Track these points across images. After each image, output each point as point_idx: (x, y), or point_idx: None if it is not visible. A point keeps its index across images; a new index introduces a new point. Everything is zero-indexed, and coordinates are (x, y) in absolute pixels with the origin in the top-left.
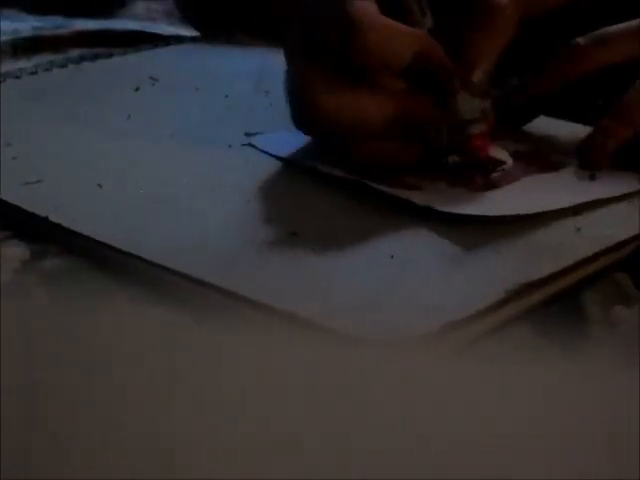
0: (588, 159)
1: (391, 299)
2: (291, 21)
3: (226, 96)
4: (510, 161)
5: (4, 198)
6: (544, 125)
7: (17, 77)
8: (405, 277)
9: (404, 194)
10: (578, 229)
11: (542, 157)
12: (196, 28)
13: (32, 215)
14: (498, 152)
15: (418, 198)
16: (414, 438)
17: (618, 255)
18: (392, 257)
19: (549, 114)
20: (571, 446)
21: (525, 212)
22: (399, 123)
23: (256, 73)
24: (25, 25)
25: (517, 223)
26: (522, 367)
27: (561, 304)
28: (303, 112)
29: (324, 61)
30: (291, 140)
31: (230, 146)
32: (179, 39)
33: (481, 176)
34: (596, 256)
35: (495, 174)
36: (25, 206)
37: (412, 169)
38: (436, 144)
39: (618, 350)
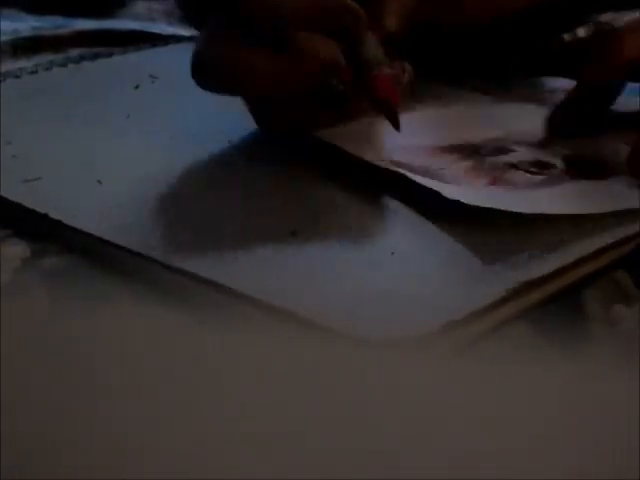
0: (635, 169)
1: (391, 299)
2: None
3: None
4: (560, 165)
5: (4, 196)
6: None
7: (17, 76)
8: (405, 276)
9: (434, 185)
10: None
11: (594, 164)
12: (196, 27)
13: (32, 212)
14: (547, 155)
15: (449, 192)
16: (414, 438)
17: (618, 253)
18: (392, 254)
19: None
20: (571, 446)
21: (552, 212)
22: (296, 75)
23: None
24: (25, 25)
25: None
26: (522, 367)
27: (561, 303)
28: (197, 67)
29: (222, 24)
30: None
31: (229, 143)
32: (178, 38)
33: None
34: (596, 254)
35: (538, 177)
36: (25, 203)
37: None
38: (341, 92)
39: (618, 349)
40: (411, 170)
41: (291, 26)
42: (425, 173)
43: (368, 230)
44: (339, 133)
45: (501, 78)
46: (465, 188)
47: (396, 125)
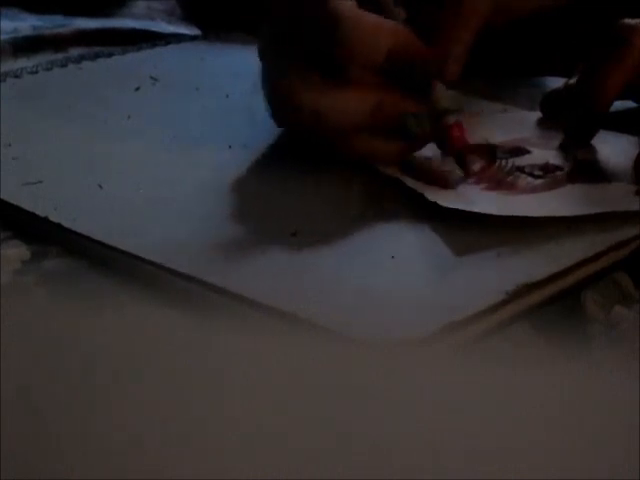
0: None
1: (391, 299)
2: (264, 20)
3: (227, 96)
4: (568, 168)
5: (4, 198)
6: (605, 136)
7: (17, 76)
8: (405, 277)
9: (431, 194)
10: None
11: (597, 167)
12: (198, 26)
13: (32, 215)
14: (560, 159)
15: (447, 200)
16: (414, 438)
17: (618, 255)
18: (393, 257)
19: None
20: (571, 446)
21: (543, 215)
22: (379, 117)
23: (257, 72)
24: (25, 24)
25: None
26: (522, 368)
27: (561, 304)
28: (284, 110)
29: (304, 58)
30: None
31: (230, 146)
32: (179, 37)
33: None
34: (596, 256)
35: (540, 181)
36: (25, 206)
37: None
38: (418, 134)
39: (618, 350)
40: (429, 176)
41: (375, 70)
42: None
43: (368, 231)
44: None
45: (505, 79)
46: (470, 195)
47: (467, 173)
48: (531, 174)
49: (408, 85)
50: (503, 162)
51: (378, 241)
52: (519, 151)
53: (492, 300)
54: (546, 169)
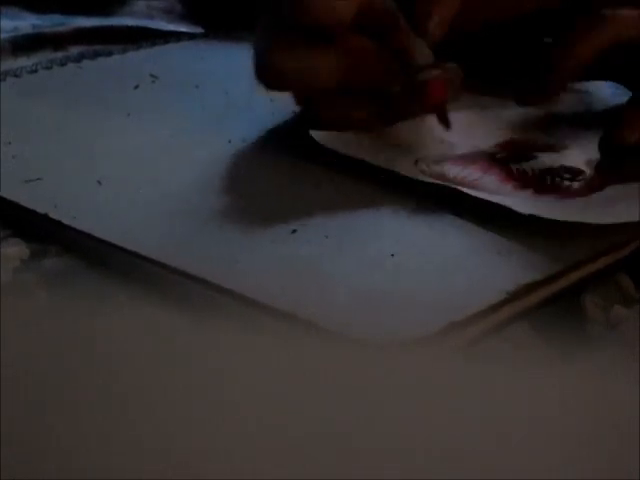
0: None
1: (391, 299)
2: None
3: (226, 93)
4: (588, 170)
5: (4, 196)
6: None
7: (17, 75)
8: (405, 277)
9: (495, 199)
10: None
11: (617, 168)
12: (199, 24)
13: (32, 213)
14: (575, 161)
15: (519, 207)
16: (414, 439)
17: (618, 255)
18: (392, 256)
19: None
20: (571, 446)
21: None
22: (353, 74)
23: None
24: (25, 23)
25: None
26: (522, 368)
27: (561, 304)
28: (262, 68)
29: (282, 22)
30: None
31: (230, 142)
32: (178, 36)
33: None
34: (596, 256)
35: (576, 184)
36: (25, 204)
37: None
38: (394, 91)
39: (618, 350)
40: (449, 181)
41: (345, 30)
42: (467, 185)
43: (368, 231)
44: (364, 146)
45: (500, 77)
46: (523, 200)
47: (447, 125)
48: (563, 178)
49: (383, 42)
50: (517, 166)
51: (378, 240)
52: (524, 157)
53: (492, 300)
54: (570, 172)
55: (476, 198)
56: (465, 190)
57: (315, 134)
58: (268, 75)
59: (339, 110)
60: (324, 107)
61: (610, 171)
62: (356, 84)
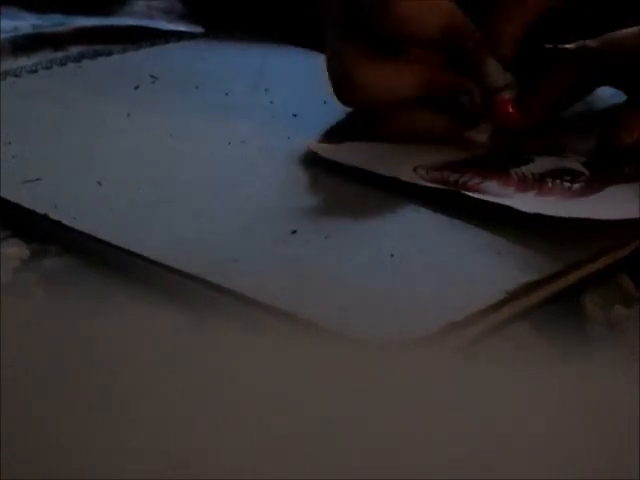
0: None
1: (391, 299)
2: (329, 9)
3: (226, 94)
4: (587, 172)
5: (4, 196)
6: None
7: (17, 75)
8: (405, 277)
9: (499, 200)
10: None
11: (615, 169)
12: (198, 23)
13: (32, 213)
14: (567, 163)
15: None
16: (414, 439)
17: (618, 255)
18: (392, 256)
19: None
20: (571, 446)
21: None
22: (430, 92)
23: (256, 71)
24: (25, 23)
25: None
26: (522, 368)
27: (561, 304)
28: (341, 85)
29: (360, 35)
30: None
31: (229, 143)
32: (179, 36)
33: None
34: (596, 256)
35: (577, 185)
36: (25, 204)
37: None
38: (470, 110)
39: (618, 350)
40: (451, 186)
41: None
42: (470, 189)
43: (368, 231)
44: (363, 156)
45: None
46: (527, 201)
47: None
48: (563, 180)
49: (459, 61)
50: (517, 170)
51: (378, 240)
52: (521, 161)
53: (492, 300)
54: (569, 174)
55: (481, 201)
56: (469, 194)
57: (315, 146)
58: (352, 91)
59: (419, 122)
60: (403, 120)
61: (608, 172)
62: (432, 95)
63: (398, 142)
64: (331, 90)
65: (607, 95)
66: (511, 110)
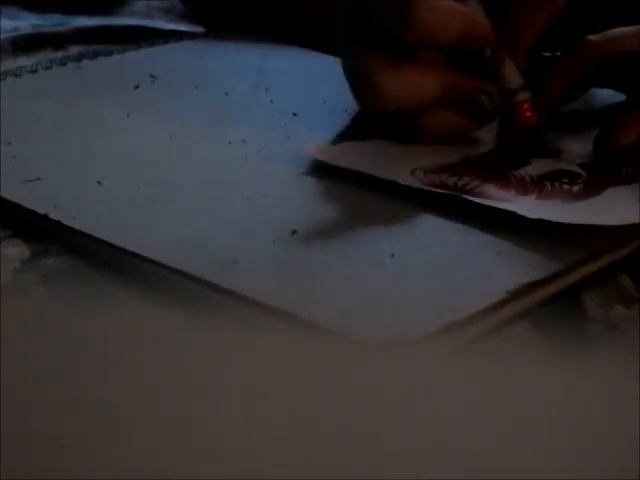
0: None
1: (391, 299)
2: (338, 5)
3: (226, 94)
4: (585, 174)
5: (4, 196)
6: None
7: (17, 75)
8: (405, 277)
9: (501, 205)
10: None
11: (613, 170)
12: (198, 23)
13: (32, 213)
14: (564, 165)
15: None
16: (414, 439)
17: (618, 255)
18: (392, 256)
19: None
20: (571, 446)
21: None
22: (454, 94)
23: (256, 71)
24: (25, 23)
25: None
26: (522, 367)
27: (561, 304)
28: (365, 94)
29: (380, 41)
30: (354, 151)
31: (229, 143)
32: (178, 36)
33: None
34: (596, 256)
35: (576, 187)
36: (25, 204)
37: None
38: (490, 110)
39: (618, 350)
40: (449, 189)
41: (445, 50)
42: (469, 192)
43: (368, 231)
44: (361, 159)
45: None
46: (527, 205)
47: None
48: (561, 182)
49: (477, 65)
50: (515, 173)
51: (378, 240)
52: (519, 163)
53: (492, 300)
54: (567, 175)
55: (483, 205)
56: (470, 198)
57: (313, 150)
58: (382, 101)
59: (442, 122)
60: (429, 122)
61: (606, 174)
62: (455, 98)
63: (427, 142)
64: (352, 98)
65: (605, 96)
66: (530, 112)
